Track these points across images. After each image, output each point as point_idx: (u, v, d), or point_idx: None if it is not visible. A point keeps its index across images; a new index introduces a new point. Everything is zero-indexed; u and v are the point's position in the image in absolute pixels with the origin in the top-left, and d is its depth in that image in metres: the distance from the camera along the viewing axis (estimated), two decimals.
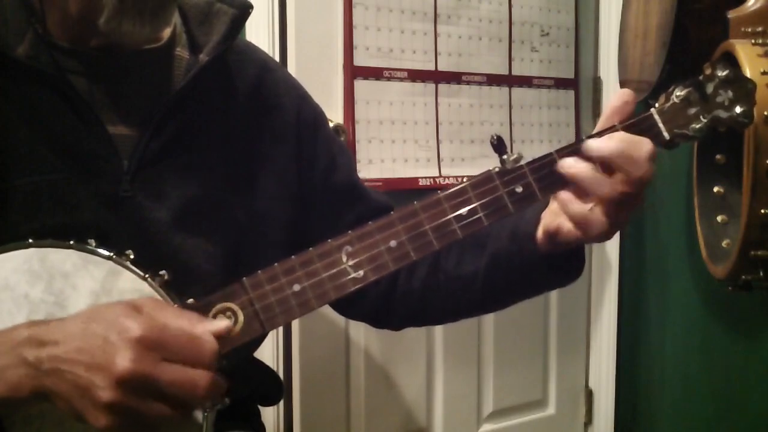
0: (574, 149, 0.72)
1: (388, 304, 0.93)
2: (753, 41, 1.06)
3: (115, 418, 0.60)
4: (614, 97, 0.74)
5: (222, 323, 0.66)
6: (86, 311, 0.64)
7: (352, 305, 0.93)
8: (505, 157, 0.73)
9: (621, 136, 0.70)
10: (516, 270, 0.82)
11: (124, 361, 0.59)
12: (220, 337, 0.65)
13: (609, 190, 0.69)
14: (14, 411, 0.65)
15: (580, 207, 0.71)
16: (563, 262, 0.80)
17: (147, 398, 0.60)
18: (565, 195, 0.72)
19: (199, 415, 0.67)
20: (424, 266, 0.90)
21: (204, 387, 0.62)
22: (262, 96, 0.91)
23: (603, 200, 0.70)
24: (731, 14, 1.13)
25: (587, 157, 0.70)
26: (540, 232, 0.78)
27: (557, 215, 0.75)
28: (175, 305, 0.69)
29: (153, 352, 0.60)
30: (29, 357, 0.61)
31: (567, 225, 0.73)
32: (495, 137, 0.73)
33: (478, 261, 0.86)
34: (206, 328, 0.64)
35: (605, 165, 0.70)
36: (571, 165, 0.70)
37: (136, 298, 0.66)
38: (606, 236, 0.73)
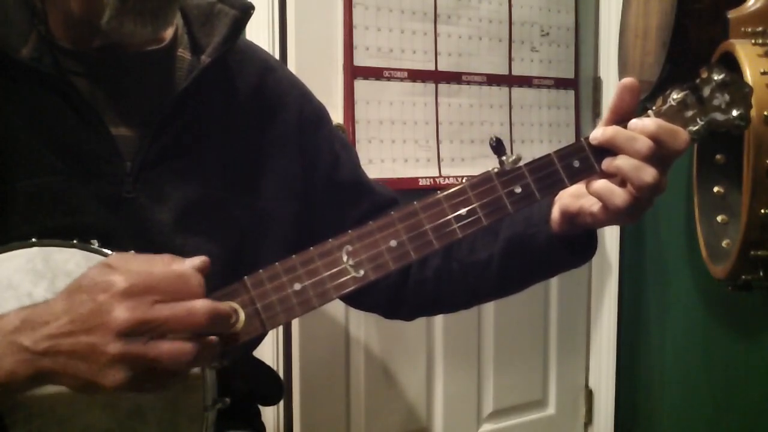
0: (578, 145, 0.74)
1: (399, 294, 0.94)
2: (753, 41, 1.07)
3: (127, 370, 0.59)
4: (615, 94, 0.75)
5: (197, 258, 0.65)
6: (66, 287, 0.63)
7: (362, 297, 0.93)
8: (504, 158, 0.74)
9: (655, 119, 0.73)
10: (532, 252, 0.84)
11: (119, 313, 0.59)
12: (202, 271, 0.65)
13: (644, 147, 0.71)
14: (14, 406, 0.65)
15: (605, 182, 0.74)
16: (578, 243, 0.83)
17: (151, 341, 0.60)
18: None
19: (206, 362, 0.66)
20: (437, 255, 0.91)
21: (203, 312, 0.62)
22: (264, 96, 0.91)
23: (633, 167, 0.72)
24: (731, 14, 1.13)
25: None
26: (556, 214, 0.81)
27: (579, 197, 0.77)
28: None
29: (144, 298, 0.60)
30: (25, 342, 0.60)
31: (590, 206, 0.75)
32: (494, 139, 0.74)
33: (491, 246, 0.87)
34: (186, 265, 0.64)
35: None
36: (605, 129, 0.73)
37: (105, 259, 0.66)
38: (630, 214, 0.74)
